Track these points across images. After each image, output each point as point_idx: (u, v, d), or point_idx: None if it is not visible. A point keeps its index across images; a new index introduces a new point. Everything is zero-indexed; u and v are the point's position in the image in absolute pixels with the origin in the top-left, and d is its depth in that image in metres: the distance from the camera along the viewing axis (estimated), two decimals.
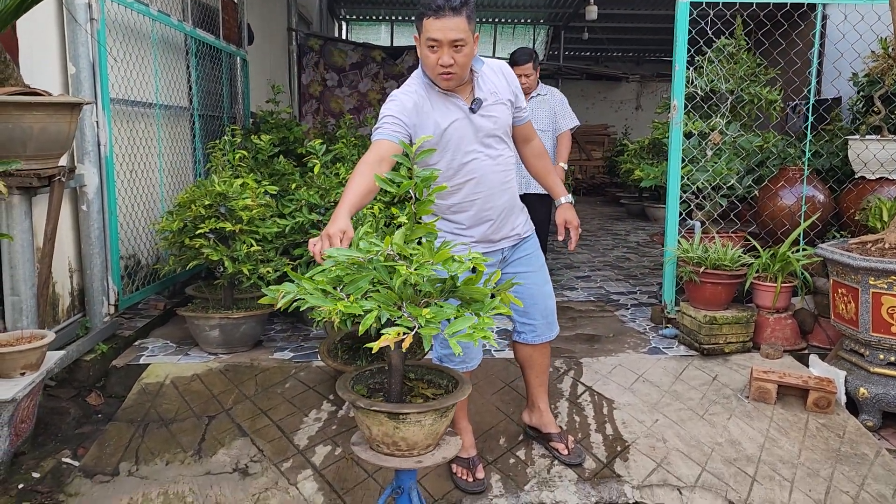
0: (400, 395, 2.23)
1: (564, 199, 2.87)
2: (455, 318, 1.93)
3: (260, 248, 3.84)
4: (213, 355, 3.88)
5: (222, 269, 3.78)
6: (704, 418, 3.27)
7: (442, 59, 2.39)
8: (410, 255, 2.01)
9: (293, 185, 4.47)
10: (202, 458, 3.00)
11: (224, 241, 3.87)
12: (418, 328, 1.89)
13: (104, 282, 4.03)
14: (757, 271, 3.92)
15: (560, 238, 2.87)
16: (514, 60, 4.79)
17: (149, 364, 3.73)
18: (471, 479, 2.82)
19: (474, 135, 2.59)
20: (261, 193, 4.17)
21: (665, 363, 3.78)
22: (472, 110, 2.57)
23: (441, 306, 2.00)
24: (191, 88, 5.60)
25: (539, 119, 4.83)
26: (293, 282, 2.00)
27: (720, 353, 3.86)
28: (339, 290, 2.00)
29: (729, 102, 4.13)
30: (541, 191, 4.38)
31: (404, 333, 1.84)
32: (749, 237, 4.23)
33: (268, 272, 3.83)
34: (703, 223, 4.21)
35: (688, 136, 4.28)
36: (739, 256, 3.87)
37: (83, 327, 3.95)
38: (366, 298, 1.95)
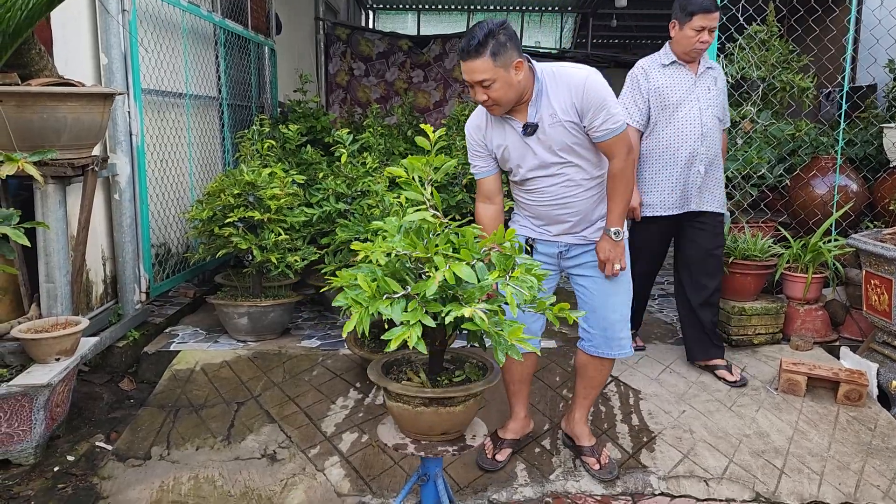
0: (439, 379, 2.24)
1: (612, 229, 2.58)
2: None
3: (288, 237, 3.87)
4: (242, 343, 3.93)
5: (251, 258, 3.82)
6: (732, 410, 3.25)
7: (477, 97, 2.43)
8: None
9: (320, 175, 4.50)
10: (231, 444, 3.05)
11: (252, 230, 3.92)
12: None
13: (136, 270, 4.10)
14: (787, 262, 3.87)
15: (606, 274, 2.65)
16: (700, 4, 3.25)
17: (179, 351, 3.80)
18: (489, 456, 2.85)
19: (532, 156, 2.56)
20: (289, 183, 4.21)
21: None
22: (525, 133, 2.52)
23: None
24: (219, 78, 5.65)
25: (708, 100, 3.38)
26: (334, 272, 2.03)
27: (749, 344, 3.82)
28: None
29: (760, 90, 4.06)
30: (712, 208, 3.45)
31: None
32: (780, 227, 4.17)
33: (295, 261, 3.86)
34: (732, 213, 4.16)
35: None
36: (769, 247, 3.82)
37: (115, 314, 4.02)
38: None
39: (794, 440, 3.03)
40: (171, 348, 3.85)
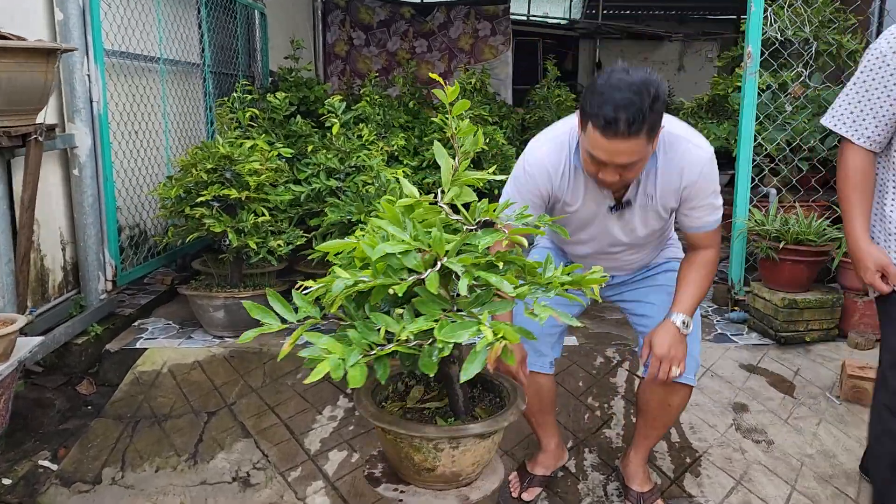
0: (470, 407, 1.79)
1: (675, 315, 1.99)
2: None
3: (270, 218, 3.37)
4: (218, 339, 3.45)
5: (227, 243, 3.32)
6: (789, 423, 2.76)
7: (604, 175, 1.79)
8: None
9: (310, 148, 3.99)
10: (198, 464, 2.58)
11: (230, 211, 3.42)
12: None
13: (100, 255, 3.61)
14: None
15: (642, 359, 2.08)
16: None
17: (146, 349, 3.31)
18: (514, 495, 2.37)
19: (605, 234, 2.08)
20: (273, 157, 3.70)
21: (736, 354, 3.25)
22: (612, 209, 2.00)
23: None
24: (202, 43, 5.12)
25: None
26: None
27: (800, 341, 3.32)
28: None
29: (814, 49, 3.52)
30: None
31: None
32: (835, 206, 3.64)
33: (279, 245, 3.37)
34: (779, 190, 3.64)
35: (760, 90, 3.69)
36: (825, 229, 3.31)
37: (77, 306, 3.54)
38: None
39: None
40: (138, 345, 3.37)
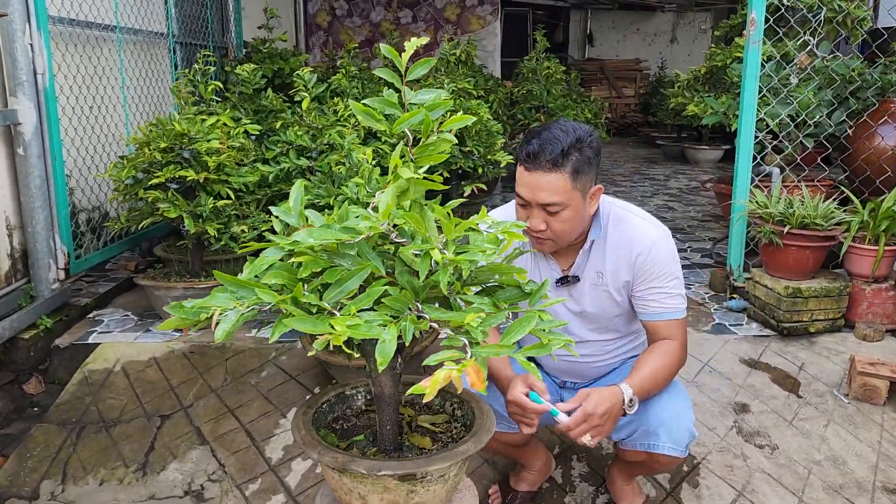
0: (397, 438, 1.54)
1: (625, 388, 1.70)
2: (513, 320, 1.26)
3: (231, 201, 3.10)
4: (179, 331, 3.19)
5: (185, 229, 3.05)
6: (794, 425, 2.54)
7: (531, 222, 1.73)
8: (409, 228, 1.29)
9: (278, 124, 3.71)
10: (147, 476, 2.34)
11: (191, 193, 3.14)
12: (468, 354, 1.20)
13: (50, 242, 3.33)
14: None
15: (565, 406, 1.68)
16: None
17: (98, 344, 3.05)
18: None
19: (561, 310, 1.91)
20: (237, 134, 3.42)
21: (735, 346, 3.02)
22: (559, 283, 1.88)
23: (482, 302, 1.30)
24: (167, 11, 4.79)
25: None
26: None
27: (804, 332, 3.09)
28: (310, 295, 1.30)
29: (823, 15, 3.25)
30: None
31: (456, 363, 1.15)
32: (841, 186, 3.39)
33: (243, 231, 3.10)
34: (782, 169, 3.39)
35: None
36: (832, 212, 3.07)
37: (27, 296, 3.28)
38: (376, 308, 1.26)
39: (880, 469, 2.32)
40: (90, 340, 3.10)
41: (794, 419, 2.56)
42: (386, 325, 1.22)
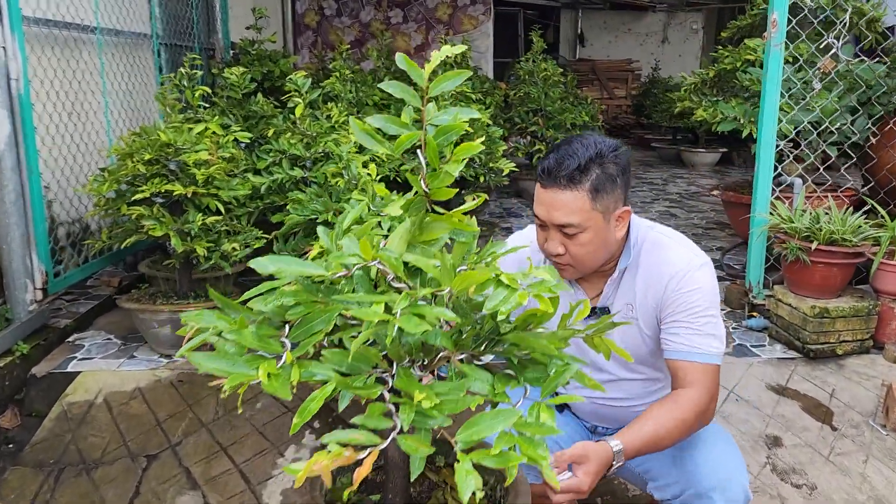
0: None
1: (615, 443, 1.46)
2: (482, 411, 1.02)
3: (222, 217, 2.89)
4: (166, 358, 2.98)
5: (172, 247, 2.84)
6: (831, 461, 2.36)
7: (548, 245, 1.58)
8: (411, 275, 1.09)
9: (270, 132, 3.50)
10: None
11: (177, 208, 2.93)
12: (396, 430, 0.99)
13: (27, 260, 3.10)
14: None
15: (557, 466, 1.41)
16: None
17: (78, 372, 2.83)
18: None
19: (580, 347, 1.62)
20: (228, 142, 3.21)
21: (760, 371, 2.85)
22: (593, 315, 1.68)
23: (463, 373, 1.10)
24: (151, 10, 4.56)
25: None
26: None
27: (831, 354, 2.93)
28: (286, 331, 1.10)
29: (848, 16, 3.08)
30: None
31: (362, 452, 0.95)
32: (867, 199, 3.22)
33: (234, 249, 2.89)
34: (804, 180, 3.22)
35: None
36: (860, 227, 2.90)
37: (2, 319, 3.05)
38: (322, 356, 1.05)
39: None
40: (70, 368, 2.88)
41: (831, 454, 2.39)
42: (327, 381, 1.00)
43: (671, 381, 1.62)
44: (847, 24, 3.12)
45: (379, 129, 1.13)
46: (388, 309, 0.99)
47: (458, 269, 1.14)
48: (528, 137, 6.66)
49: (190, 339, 1.08)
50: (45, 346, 3.11)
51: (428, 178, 1.07)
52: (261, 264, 1.06)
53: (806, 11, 3.03)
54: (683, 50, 14.82)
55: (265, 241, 3.02)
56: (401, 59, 1.03)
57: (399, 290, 1.11)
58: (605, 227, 1.54)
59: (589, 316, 1.68)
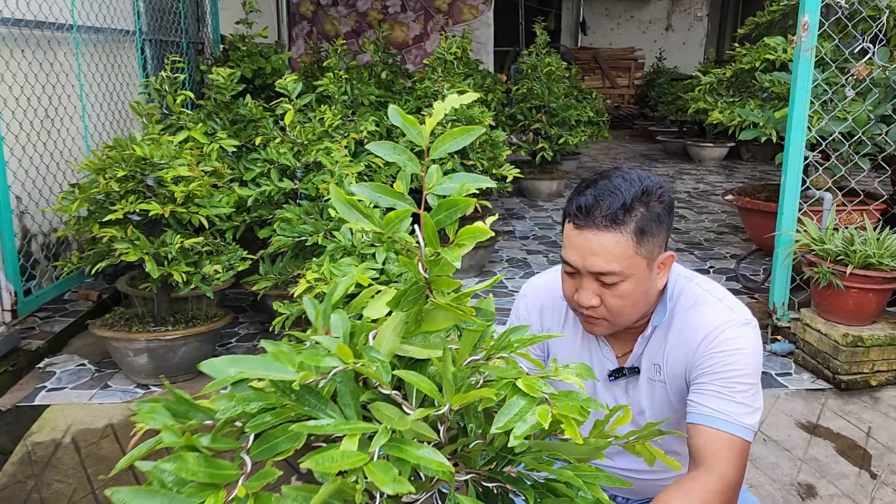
0: None
1: None
2: None
3: (201, 238, 2.66)
4: (142, 388, 2.75)
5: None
6: None
7: (579, 296, 1.32)
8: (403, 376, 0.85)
9: (258, 140, 3.26)
10: None
11: (155, 226, 2.70)
12: None
13: None
14: None
15: None
16: None
17: (46, 406, 2.61)
18: None
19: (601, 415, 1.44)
20: (212, 152, 2.98)
21: (789, 405, 2.62)
22: (612, 376, 1.45)
23: None
24: (135, 4, 4.31)
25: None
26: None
27: (864, 385, 2.70)
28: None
29: (885, 18, 2.83)
30: None
31: None
32: None
33: (216, 272, 2.66)
34: (834, 194, 2.98)
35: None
36: None
37: None
38: (281, 491, 0.81)
39: None
40: (38, 400, 2.66)
41: None
42: None
43: (690, 455, 1.36)
44: (884, 27, 2.87)
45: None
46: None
47: (464, 362, 0.92)
48: (531, 135, 6.42)
49: (136, 444, 0.86)
50: (14, 372, 2.89)
51: (428, 264, 0.83)
52: (215, 368, 0.82)
53: (840, 14, 2.78)
54: (688, 38, 14.55)
55: (250, 262, 2.79)
56: (394, 114, 0.79)
57: (388, 396, 0.88)
58: (648, 275, 1.31)
59: (616, 377, 1.45)
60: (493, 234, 0.80)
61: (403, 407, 0.87)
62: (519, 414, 0.84)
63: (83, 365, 2.96)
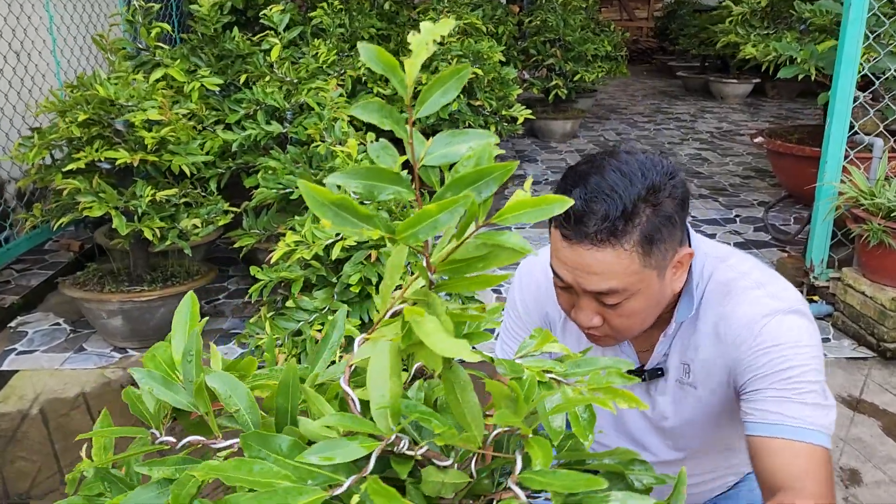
0: None
1: None
2: None
3: (176, 189, 2.39)
4: (119, 352, 2.54)
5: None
6: None
7: (577, 315, 1.05)
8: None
9: (243, 78, 2.95)
10: None
11: (129, 175, 2.43)
12: None
13: None
14: None
15: None
16: None
17: (15, 372, 2.40)
18: None
19: (622, 423, 1.26)
20: (192, 91, 2.69)
21: (829, 376, 2.37)
22: (642, 377, 1.17)
23: None
24: None
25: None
26: None
27: None
28: None
29: None
30: None
31: None
32: None
33: (194, 227, 2.40)
34: (885, 140, 2.66)
35: None
36: None
37: None
38: None
39: None
40: (6, 365, 2.45)
41: None
42: None
43: (761, 477, 1.11)
44: None
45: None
46: None
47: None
48: (545, 71, 6.03)
49: None
50: None
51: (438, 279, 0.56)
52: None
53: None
54: None
55: (232, 217, 2.52)
56: (370, 54, 0.51)
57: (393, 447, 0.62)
58: (660, 285, 1.03)
59: (640, 373, 1.19)
60: (499, 279, 0.54)
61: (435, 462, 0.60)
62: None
63: (58, 325, 2.74)
